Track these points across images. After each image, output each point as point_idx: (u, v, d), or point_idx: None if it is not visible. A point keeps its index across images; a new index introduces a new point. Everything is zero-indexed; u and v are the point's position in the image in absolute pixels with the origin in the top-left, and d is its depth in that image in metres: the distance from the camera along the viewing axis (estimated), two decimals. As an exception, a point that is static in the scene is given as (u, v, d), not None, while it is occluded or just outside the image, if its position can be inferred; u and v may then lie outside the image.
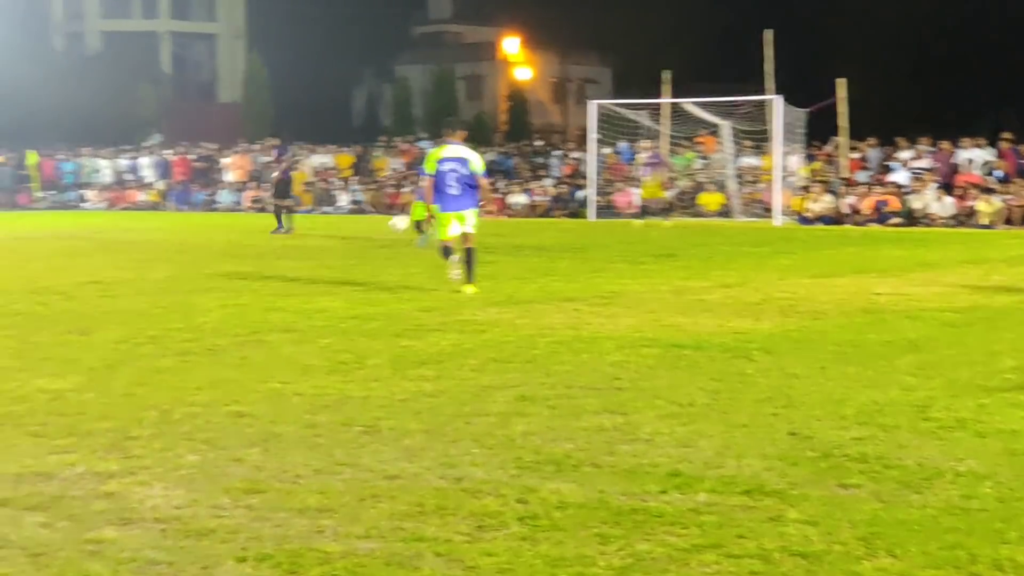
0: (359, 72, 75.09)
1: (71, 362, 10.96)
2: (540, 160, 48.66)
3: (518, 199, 43.94)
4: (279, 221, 31.60)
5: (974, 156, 38.02)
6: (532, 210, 43.25)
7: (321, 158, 50.25)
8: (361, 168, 49.65)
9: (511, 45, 69.14)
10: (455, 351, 11.60)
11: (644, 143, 39.55)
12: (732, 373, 10.42)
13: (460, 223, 16.89)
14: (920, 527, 6.13)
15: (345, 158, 50.28)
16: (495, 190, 44.44)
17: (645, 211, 37.01)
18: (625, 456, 7.59)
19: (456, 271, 16.73)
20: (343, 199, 47.05)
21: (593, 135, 40.98)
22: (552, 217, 41.94)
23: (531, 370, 10.60)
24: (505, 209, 43.76)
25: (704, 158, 43.43)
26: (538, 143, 52.24)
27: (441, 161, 16.99)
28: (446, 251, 16.79)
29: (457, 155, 17.05)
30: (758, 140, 40.91)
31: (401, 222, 25.55)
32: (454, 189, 16.81)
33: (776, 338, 12.45)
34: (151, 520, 6.25)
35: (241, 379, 10.08)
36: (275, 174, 33.52)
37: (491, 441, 7.95)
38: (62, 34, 72.89)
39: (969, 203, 35.16)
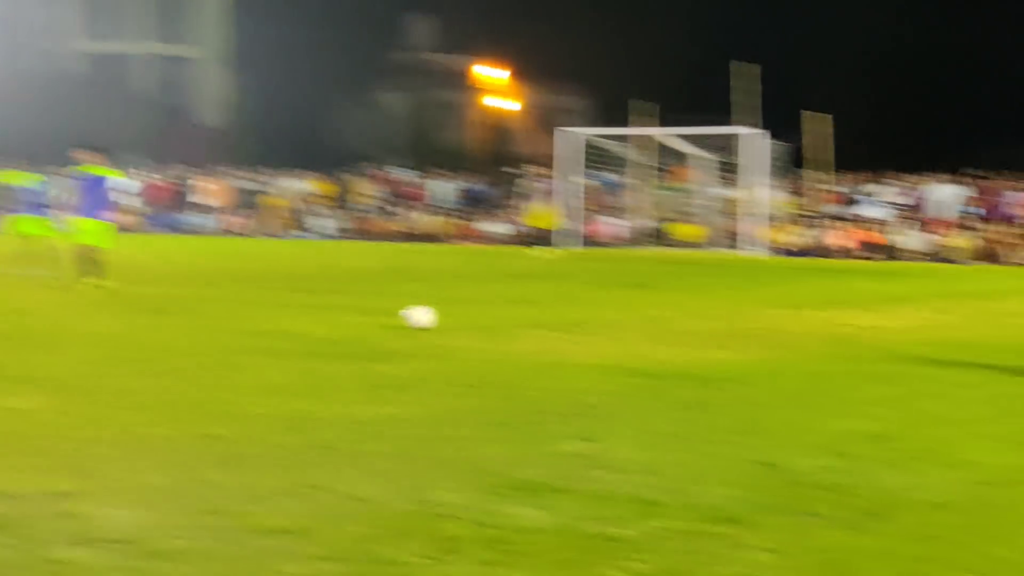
0: (338, 98, 75.17)
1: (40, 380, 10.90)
2: (517, 189, 48.76)
3: (495, 227, 44.03)
4: None
5: (946, 193, 38.25)
6: (509, 239, 43.32)
7: (299, 183, 50.29)
8: (340, 194, 49.71)
9: (490, 74, 69.20)
10: (423, 375, 11.58)
11: (540, 170, 39.33)
12: (700, 402, 10.43)
13: None
14: (880, 554, 6.14)
15: (322, 184, 50.32)
16: (465, 218, 44.65)
17: (529, 239, 36.13)
18: (593, 483, 7.57)
19: None
20: (322, 224, 47.08)
21: (566, 165, 41.11)
22: (527, 245, 41.95)
23: (499, 395, 10.59)
24: (479, 237, 43.84)
25: (679, 189, 43.64)
26: (516, 172, 52.32)
27: None
28: None
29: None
30: (734, 172, 41.14)
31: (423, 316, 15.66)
32: None
33: (746, 368, 12.48)
34: (111, 540, 6.20)
35: (209, 400, 10.04)
36: None
37: (459, 465, 7.93)
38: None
39: (942, 238, 35.35)
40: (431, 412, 9.75)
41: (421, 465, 7.94)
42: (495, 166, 54.09)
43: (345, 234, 45.75)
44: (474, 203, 47.16)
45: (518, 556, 6.10)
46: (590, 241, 41.37)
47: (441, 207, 46.79)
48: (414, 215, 46.18)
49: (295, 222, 47.24)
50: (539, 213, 36.28)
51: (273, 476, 7.56)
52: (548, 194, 37.00)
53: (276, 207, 48.08)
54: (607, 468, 7.96)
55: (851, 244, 35.98)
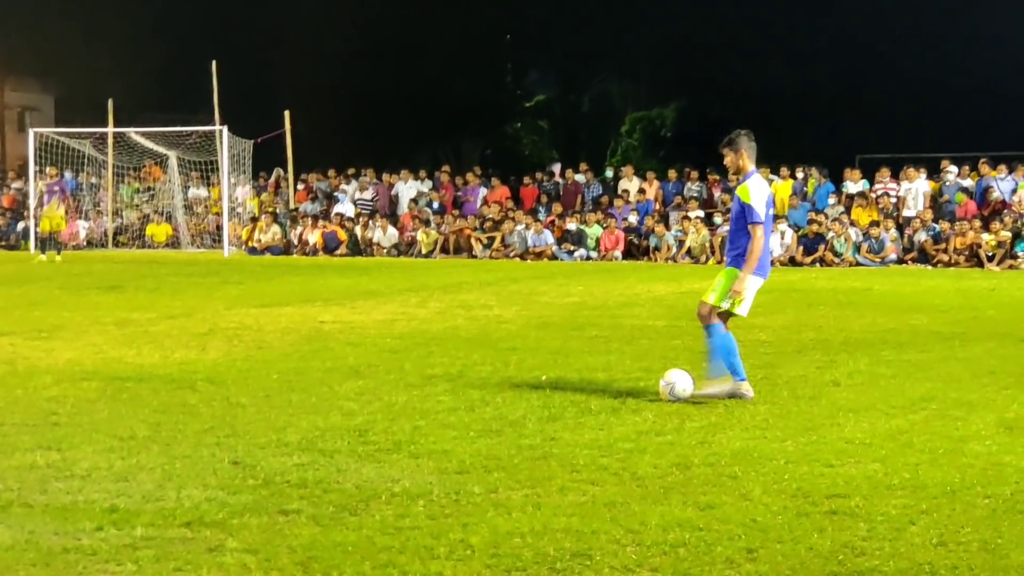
0: None
1: None
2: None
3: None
4: None
5: (413, 189, 39.44)
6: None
7: None
8: None
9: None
10: None
11: (51, 170, 38.05)
12: (176, 404, 10.29)
13: None
14: (356, 548, 6.25)
15: None
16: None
17: (45, 244, 34.58)
18: (59, 494, 7.32)
19: None
20: None
21: (34, 165, 39.66)
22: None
23: (-42, 409, 10.04)
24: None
25: (150, 189, 42.88)
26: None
27: None
28: None
29: None
30: (206, 171, 40.87)
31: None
32: None
33: (221, 368, 12.41)
34: None
35: None
36: None
37: (-89, 486, 7.46)
38: None
39: (410, 233, 36.44)
40: None
41: None
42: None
43: None
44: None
45: (-29, 578, 5.82)
46: (61, 244, 39.92)
47: None
48: None
49: None
50: (48, 215, 34.31)
51: None
52: (57, 194, 35.10)
53: None
54: (75, 478, 7.71)
55: (321, 241, 36.46)
